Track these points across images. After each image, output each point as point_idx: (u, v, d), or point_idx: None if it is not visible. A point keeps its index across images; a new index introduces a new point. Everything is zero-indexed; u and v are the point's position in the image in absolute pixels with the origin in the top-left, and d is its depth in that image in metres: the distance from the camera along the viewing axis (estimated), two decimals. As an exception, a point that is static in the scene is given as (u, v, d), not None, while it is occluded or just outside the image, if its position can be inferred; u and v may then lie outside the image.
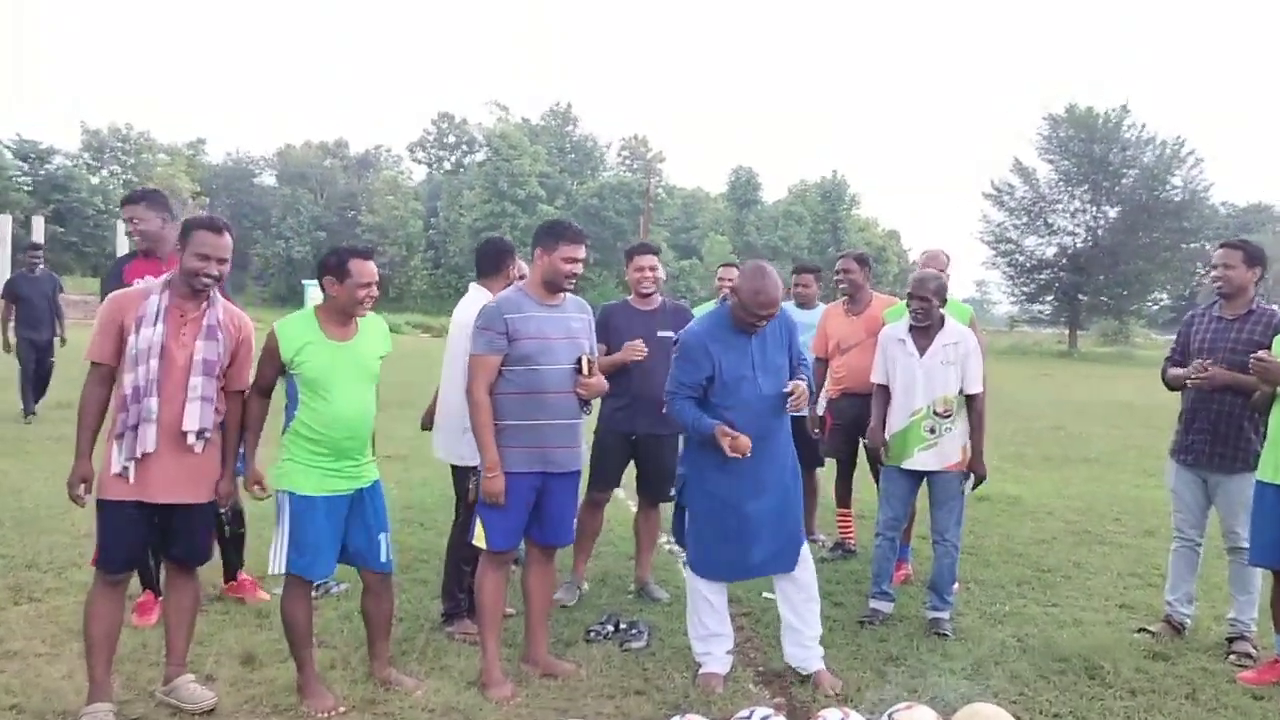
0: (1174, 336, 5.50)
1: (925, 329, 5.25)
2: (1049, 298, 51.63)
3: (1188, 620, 5.24)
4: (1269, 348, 4.66)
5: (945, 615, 5.23)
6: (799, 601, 4.54)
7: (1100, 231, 50.37)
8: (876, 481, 5.85)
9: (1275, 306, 5.01)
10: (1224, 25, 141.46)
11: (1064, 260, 50.42)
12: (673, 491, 5.66)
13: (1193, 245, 53.49)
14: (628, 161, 75.44)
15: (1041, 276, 50.94)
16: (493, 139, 66.96)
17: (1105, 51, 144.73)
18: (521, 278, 4.98)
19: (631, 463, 5.75)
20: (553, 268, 4.32)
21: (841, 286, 6.57)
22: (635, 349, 5.37)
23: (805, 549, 4.58)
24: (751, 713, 3.66)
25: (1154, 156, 49.85)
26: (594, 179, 71.39)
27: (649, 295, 5.66)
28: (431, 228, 64.95)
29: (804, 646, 4.53)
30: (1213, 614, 5.56)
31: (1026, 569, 6.48)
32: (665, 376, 5.56)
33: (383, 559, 4.25)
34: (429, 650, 4.69)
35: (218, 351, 3.92)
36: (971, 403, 5.24)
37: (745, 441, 4.20)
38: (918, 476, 5.32)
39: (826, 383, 6.59)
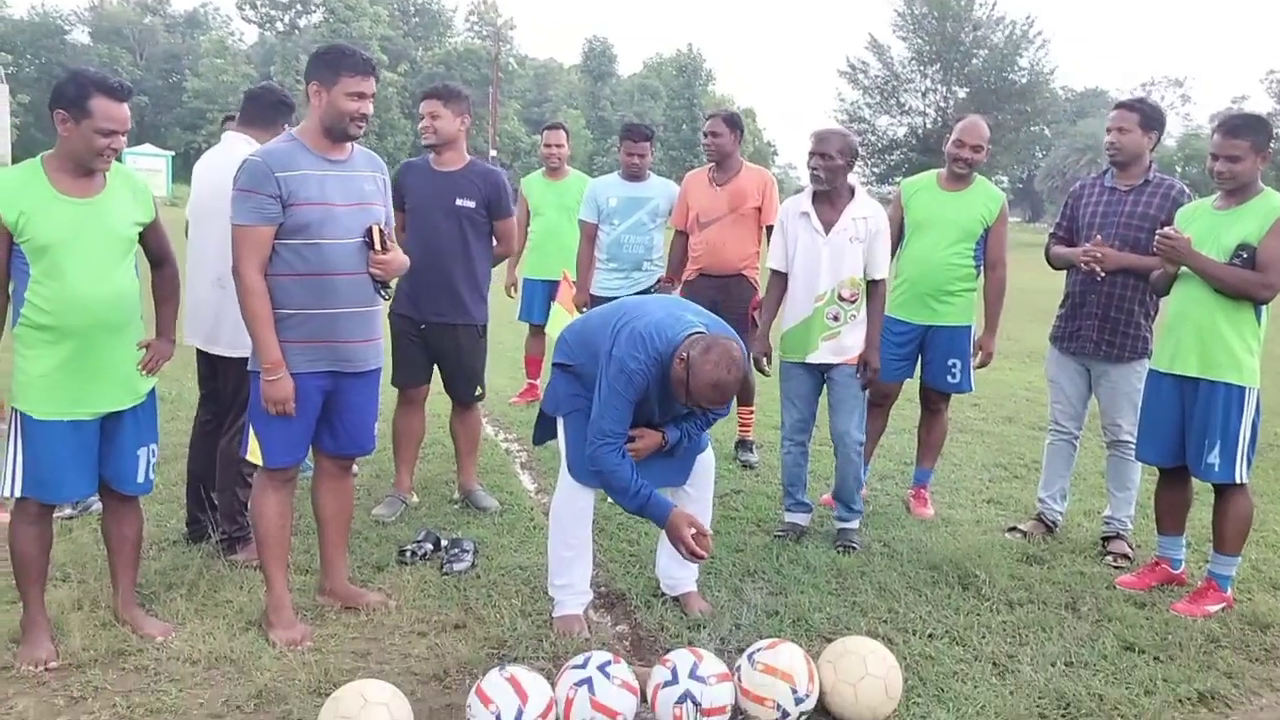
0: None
1: (832, 201, 4.49)
2: (897, 178, 52.25)
3: (1060, 518, 4.89)
4: (1167, 222, 4.18)
5: (853, 525, 4.68)
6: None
7: (949, 112, 50.95)
8: None
9: (1173, 179, 4.52)
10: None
11: (913, 140, 50.96)
12: (478, 391, 4.90)
13: (1034, 129, 54.92)
14: (476, 28, 72.32)
15: (892, 157, 51.41)
16: (330, -1, 62.68)
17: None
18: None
19: None
20: (333, 107, 3.37)
21: (710, 152, 5.70)
22: None
23: (708, 457, 3.88)
24: (587, 660, 3.02)
25: (1004, 37, 50.43)
26: (440, 45, 68.12)
27: (432, 146, 4.71)
28: (265, 94, 60.97)
29: (684, 564, 3.87)
30: (1081, 508, 5.25)
31: (890, 461, 6.04)
32: (458, 253, 4.67)
33: (139, 479, 3.44)
34: (202, 583, 3.88)
35: None
36: (874, 290, 4.55)
37: (709, 543, 3.45)
38: (820, 372, 4.63)
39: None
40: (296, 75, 58.38)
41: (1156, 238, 3.97)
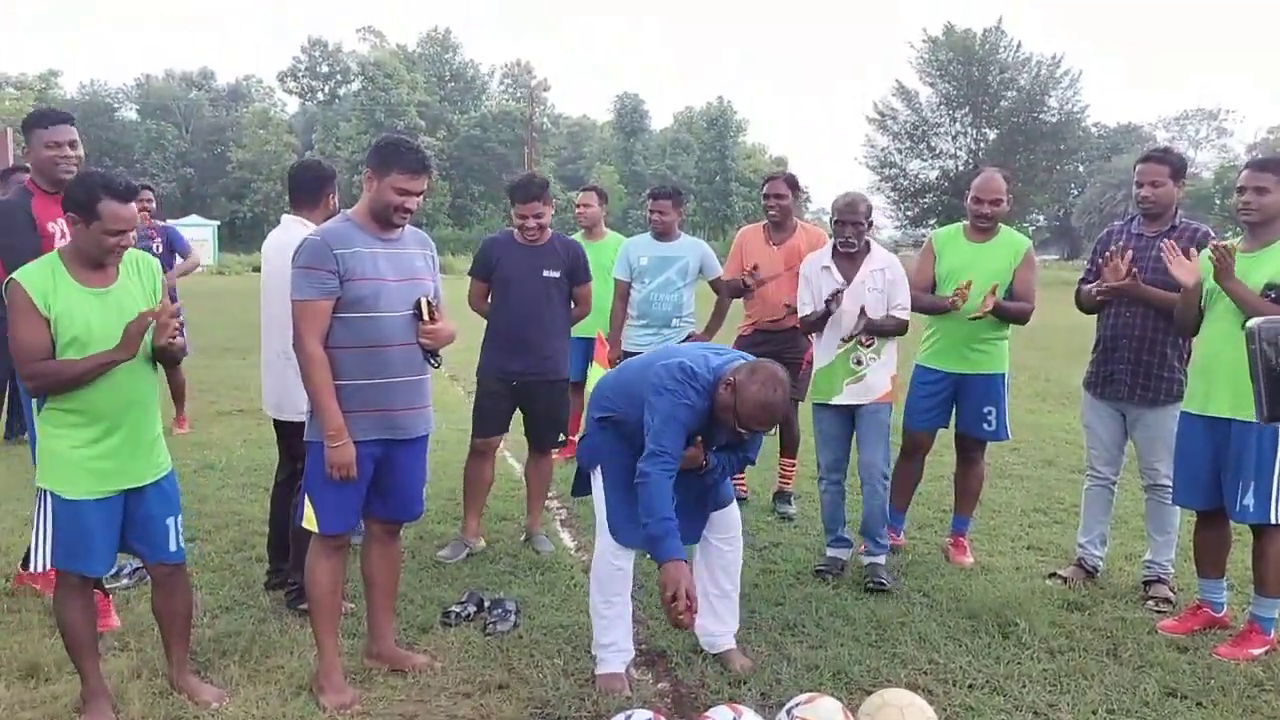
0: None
1: (851, 257, 4.85)
2: (932, 221, 52.13)
3: (1100, 563, 4.88)
4: (1193, 264, 4.22)
5: (881, 560, 4.84)
6: (718, 567, 3.97)
7: (981, 154, 50.88)
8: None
9: (1198, 223, 4.57)
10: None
11: (945, 183, 50.93)
12: (560, 438, 5.24)
13: (1068, 167, 54.67)
14: (510, 90, 73.73)
15: (925, 200, 51.38)
16: (368, 68, 64.35)
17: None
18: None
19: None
20: (380, 198, 3.54)
21: (771, 214, 5.92)
22: None
23: (733, 511, 3.99)
24: (628, 717, 3.09)
25: (1030, 78, 50.43)
26: (476, 109, 69.45)
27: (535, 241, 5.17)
28: (307, 162, 62.28)
29: (721, 621, 3.96)
30: (1122, 551, 5.24)
31: (928, 509, 6.06)
32: (548, 317, 5.12)
33: (172, 548, 3.52)
34: (255, 649, 3.98)
35: None
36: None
37: (693, 617, 3.42)
38: (849, 412, 4.88)
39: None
40: (337, 143, 59.83)
41: (1211, 245, 4.02)
